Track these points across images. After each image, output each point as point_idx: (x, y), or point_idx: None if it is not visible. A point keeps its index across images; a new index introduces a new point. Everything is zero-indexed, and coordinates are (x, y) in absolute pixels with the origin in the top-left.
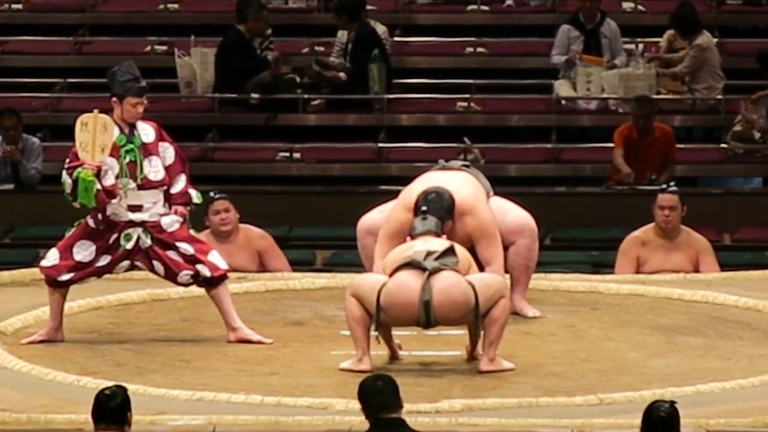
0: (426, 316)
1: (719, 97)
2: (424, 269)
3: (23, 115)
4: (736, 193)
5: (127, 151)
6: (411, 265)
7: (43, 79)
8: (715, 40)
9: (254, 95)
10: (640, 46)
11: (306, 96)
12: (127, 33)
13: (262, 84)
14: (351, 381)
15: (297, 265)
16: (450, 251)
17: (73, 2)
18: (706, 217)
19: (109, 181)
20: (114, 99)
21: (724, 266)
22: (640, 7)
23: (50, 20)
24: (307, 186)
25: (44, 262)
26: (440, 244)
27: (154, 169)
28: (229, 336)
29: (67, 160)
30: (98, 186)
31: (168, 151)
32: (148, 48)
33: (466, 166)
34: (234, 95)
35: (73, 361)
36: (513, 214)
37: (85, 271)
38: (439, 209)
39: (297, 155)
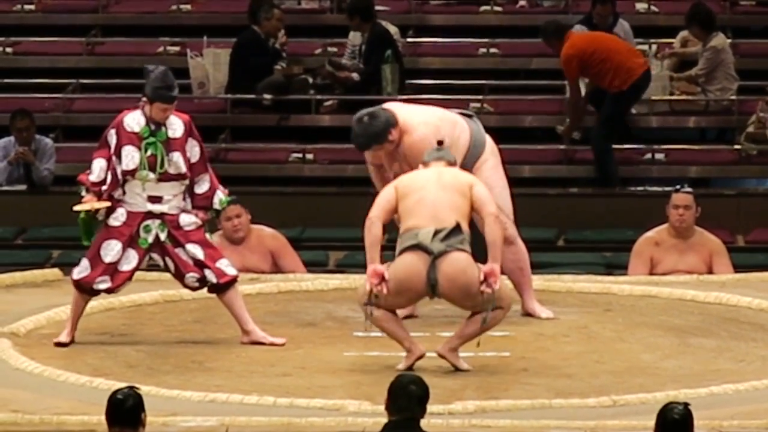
0: (432, 295)
1: (733, 97)
2: (430, 252)
3: (36, 115)
4: (749, 194)
5: (148, 144)
6: (418, 247)
7: (55, 80)
8: (729, 40)
9: (267, 96)
10: (654, 46)
11: (319, 97)
12: (140, 33)
13: (275, 85)
14: (363, 382)
15: (310, 266)
16: (457, 229)
17: (85, 3)
18: (719, 218)
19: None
20: (144, 98)
21: (737, 267)
22: (653, 8)
23: (62, 21)
24: (320, 187)
25: (76, 275)
26: (448, 213)
27: (175, 164)
28: (242, 338)
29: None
30: (99, 212)
31: (194, 150)
32: (161, 49)
33: (469, 116)
34: (246, 96)
35: (86, 363)
36: None
37: (120, 276)
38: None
39: (310, 156)
